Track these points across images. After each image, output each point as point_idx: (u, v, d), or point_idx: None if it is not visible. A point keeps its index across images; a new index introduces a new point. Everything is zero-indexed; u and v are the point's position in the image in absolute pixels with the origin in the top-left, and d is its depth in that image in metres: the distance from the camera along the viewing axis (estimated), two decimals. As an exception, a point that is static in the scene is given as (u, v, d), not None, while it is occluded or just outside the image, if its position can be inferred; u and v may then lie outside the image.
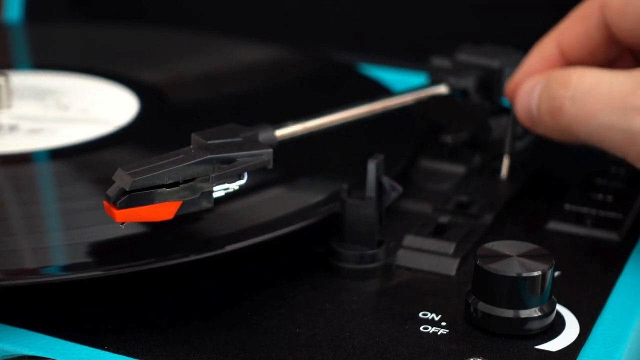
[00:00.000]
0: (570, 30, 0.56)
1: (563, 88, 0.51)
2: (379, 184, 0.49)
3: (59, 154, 0.56)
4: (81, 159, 0.55)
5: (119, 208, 0.44)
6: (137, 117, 0.60)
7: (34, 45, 0.74)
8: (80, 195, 0.52)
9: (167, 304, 0.47)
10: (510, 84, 0.57)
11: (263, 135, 0.49)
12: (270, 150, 0.47)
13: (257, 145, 0.47)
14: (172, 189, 0.44)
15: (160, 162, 0.45)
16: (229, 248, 0.47)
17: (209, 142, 0.47)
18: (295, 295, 0.48)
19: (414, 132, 0.60)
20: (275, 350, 0.44)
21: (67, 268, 0.46)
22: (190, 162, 0.45)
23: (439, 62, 0.60)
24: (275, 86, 0.67)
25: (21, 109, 0.62)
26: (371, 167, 0.49)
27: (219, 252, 0.46)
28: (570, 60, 0.56)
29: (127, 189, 0.43)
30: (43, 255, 0.47)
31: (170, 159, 0.45)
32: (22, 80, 0.66)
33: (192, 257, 0.46)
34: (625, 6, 0.53)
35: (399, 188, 0.49)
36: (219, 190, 0.46)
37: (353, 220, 0.49)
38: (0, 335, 0.45)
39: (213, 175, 0.45)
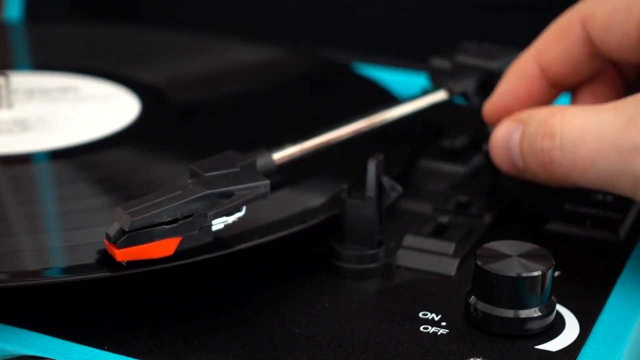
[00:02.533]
0: (550, 47, 0.53)
1: (548, 139, 0.48)
2: (379, 184, 0.49)
3: (61, 155, 0.56)
4: (83, 160, 0.55)
5: (119, 248, 0.44)
6: (138, 118, 0.60)
7: (34, 45, 0.74)
8: (82, 196, 0.52)
9: (167, 304, 0.47)
10: (487, 106, 0.55)
11: (261, 162, 0.49)
12: (268, 181, 0.47)
13: (255, 176, 0.48)
14: (171, 225, 0.45)
15: (159, 200, 0.45)
16: (228, 250, 0.47)
17: (207, 174, 0.47)
18: (295, 295, 0.48)
19: (413, 132, 0.60)
20: (275, 350, 0.44)
21: (68, 270, 0.46)
22: (188, 199, 0.45)
23: (439, 62, 0.60)
24: (275, 86, 0.67)
25: (22, 109, 0.62)
26: (371, 167, 0.49)
27: (218, 254, 0.46)
28: (551, 78, 0.54)
29: (127, 229, 0.44)
30: (44, 256, 0.47)
31: (169, 196, 0.45)
32: (22, 80, 0.66)
33: (192, 259, 0.46)
34: (610, 19, 0.51)
35: (399, 188, 0.49)
36: (218, 224, 0.46)
37: (353, 221, 0.49)
38: (0, 335, 0.45)
39: (210, 213, 0.45)
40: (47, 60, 0.70)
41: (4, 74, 0.62)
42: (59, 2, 0.85)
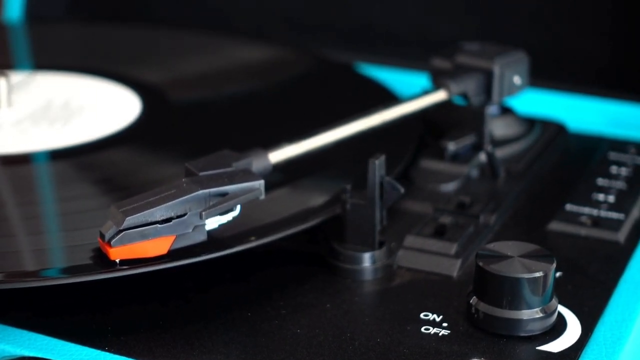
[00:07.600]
0: None
1: None
2: (380, 185, 0.49)
3: (61, 155, 0.56)
4: (83, 160, 0.55)
5: (113, 246, 0.44)
6: (139, 118, 0.60)
7: (34, 45, 0.74)
8: (82, 197, 0.52)
9: (168, 304, 0.47)
10: None
11: (257, 163, 0.49)
12: (262, 181, 0.47)
13: (249, 176, 0.48)
14: (165, 224, 0.45)
15: (153, 198, 0.45)
16: (228, 251, 0.47)
17: (201, 173, 0.47)
18: (296, 296, 0.48)
19: (415, 132, 0.59)
20: (276, 351, 0.44)
21: (68, 270, 0.46)
22: (181, 199, 0.45)
23: (439, 63, 0.59)
24: (275, 86, 0.67)
25: (21, 109, 0.62)
26: (372, 167, 0.48)
27: (219, 254, 0.46)
28: None
29: (120, 228, 0.44)
30: (43, 257, 0.47)
31: (163, 194, 0.45)
32: (22, 80, 0.65)
33: (192, 260, 0.46)
34: None
35: (401, 188, 0.49)
36: (212, 223, 0.46)
37: (354, 221, 0.49)
38: (1, 335, 0.45)
39: (203, 212, 0.45)
40: (47, 60, 0.69)
41: (4, 74, 0.62)
42: (59, 2, 0.85)
